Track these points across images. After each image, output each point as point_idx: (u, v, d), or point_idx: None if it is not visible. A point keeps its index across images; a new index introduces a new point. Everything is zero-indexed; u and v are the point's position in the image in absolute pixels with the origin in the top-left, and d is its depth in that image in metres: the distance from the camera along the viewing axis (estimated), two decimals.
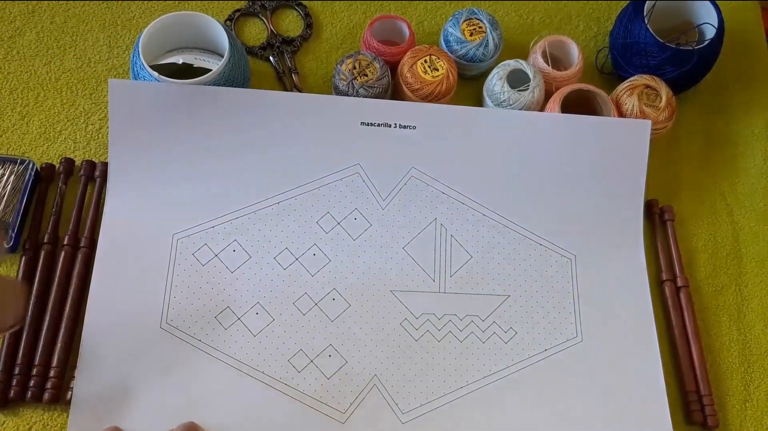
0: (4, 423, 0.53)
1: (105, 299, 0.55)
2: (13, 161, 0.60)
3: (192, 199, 0.60)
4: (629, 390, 0.58)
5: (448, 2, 0.75)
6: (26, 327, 0.55)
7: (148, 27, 0.61)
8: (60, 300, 0.56)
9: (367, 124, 0.63)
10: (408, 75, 0.65)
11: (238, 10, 0.72)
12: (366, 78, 0.64)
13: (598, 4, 0.78)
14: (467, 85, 0.70)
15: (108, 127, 0.61)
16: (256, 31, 0.72)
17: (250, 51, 0.70)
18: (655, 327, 0.61)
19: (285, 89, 0.68)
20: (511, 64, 0.66)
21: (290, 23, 0.72)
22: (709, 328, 0.64)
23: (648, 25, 0.68)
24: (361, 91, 0.63)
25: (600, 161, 0.64)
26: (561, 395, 0.57)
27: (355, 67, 0.64)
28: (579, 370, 0.58)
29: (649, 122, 0.65)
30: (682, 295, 0.64)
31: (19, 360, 0.54)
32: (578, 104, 0.66)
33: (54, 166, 0.61)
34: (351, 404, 0.55)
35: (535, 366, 0.58)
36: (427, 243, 0.61)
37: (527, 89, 0.65)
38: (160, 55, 0.64)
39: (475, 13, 0.68)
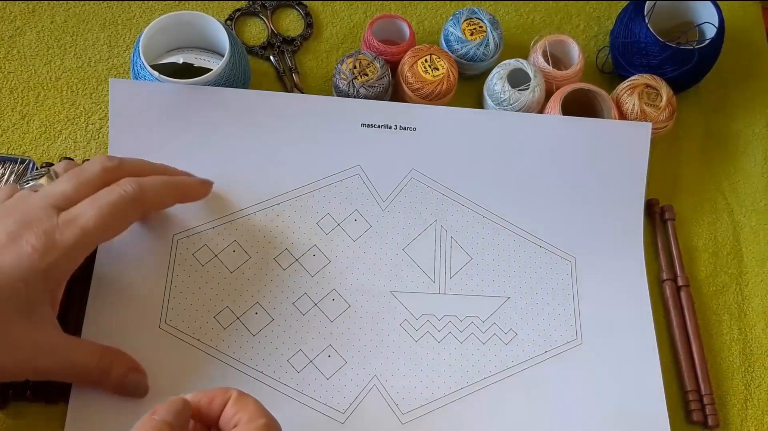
0: (4, 422, 0.53)
1: (104, 299, 0.55)
2: (14, 160, 0.60)
3: None
4: (628, 392, 0.58)
5: (448, 2, 0.75)
6: None
7: (148, 26, 0.61)
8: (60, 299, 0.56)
9: (368, 126, 0.63)
10: (408, 74, 0.65)
11: (238, 10, 0.72)
12: (366, 77, 0.64)
13: (599, 3, 0.78)
14: (468, 85, 0.70)
15: (108, 127, 0.61)
16: (256, 31, 0.72)
17: (251, 50, 0.70)
18: (654, 330, 0.61)
19: (285, 89, 0.69)
20: (512, 63, 0.66)
21: (291, 23, 0.72)
22: (710, 328, 0.64)
23: (648, 25, 0.68)
24: (361, 90, 0.63)
25: (600, 163, 0.64)
26: (560, 396, 0.57)
27: (355, 67, 0.64)
28: (578, 372, 0.58)
29: (649, 124, 0.65)
30: (682, 295, 0.64)
31: None
32: (579, 104, 0.66)
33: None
34: (350, 404, 0.55)
35: (534, 368, 0.58)
36: (427, 244, 0.61)
37: (528, 89, 0.65)
38: (161, 55, 0.64)
39: (476, 13, 0.68)
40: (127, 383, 0.51)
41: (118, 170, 0.51)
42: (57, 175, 0.51)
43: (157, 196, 0.52)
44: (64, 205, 0.48)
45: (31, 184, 0.51)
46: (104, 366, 0.49)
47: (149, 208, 0.51)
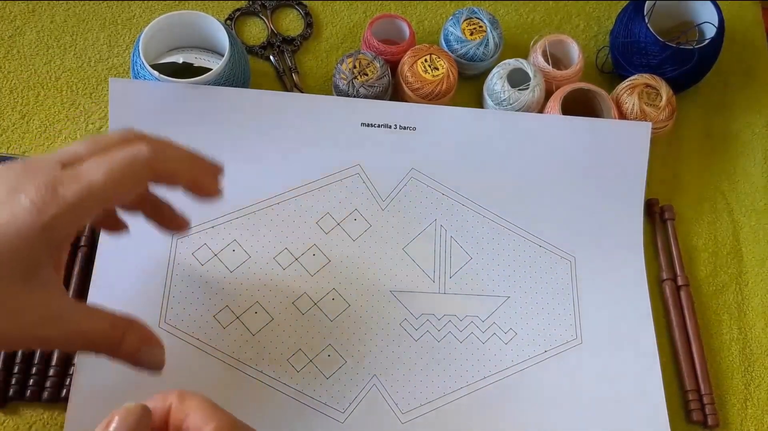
0: (4, 422, 0.53)
1: (104, 298, 0.55)
2: (13, 160, 0.60)
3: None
4: (628, 391, 0.58)
5: (448, 1, 0.75)
6: None
7: (148, 26, 0.61)
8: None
9: (368, 125, 0.63)
10: (408, 74, 0.65)
11: (238, 10, 0.72)
12: (366, 77, 0.64)
13: (599, 3, 0.78)
14: (467, 84, 0.70)
15: (108, 126, 0.61)
16: (256, 31, 0.72)
17: (251, 50, 0.70)
18: (653, 330, 0.61)
19: (285, 88, 0.69)
20: (512, 63, 0.66)
21: (290, 22, 0.72)
22: (710, 327, 0.64)
23: (648, 25, 0.68)
24: (361, 90, 0.63)
25: (600, 163, 0.64)
26: (560, 396, 0.57)
27: (355, 66, 0.64)
28: (578, 372, 0.58)
29: (649, 124, 0.65)
30: (682, 294, 0.64)
31: (18, 359, 0.54)
32: (579, 103, 0.66)
33: None
34: (350, 404, 0.55)
35: (534, 368, 0.58)
36: (427, 244, 0.61)
37: (528, 88, 0.65)
38: (161, 54, 0.64)
39: (476, 13, 0.68)
40: (140, 356, 0.46)
41: (137, 139, 0.46)
42: None
43: (171, 165, 0.46)
44: (72, 162, 0.43)
45: None
46: (115, 336, 0.44)
47: (161, 176, 0.45)
